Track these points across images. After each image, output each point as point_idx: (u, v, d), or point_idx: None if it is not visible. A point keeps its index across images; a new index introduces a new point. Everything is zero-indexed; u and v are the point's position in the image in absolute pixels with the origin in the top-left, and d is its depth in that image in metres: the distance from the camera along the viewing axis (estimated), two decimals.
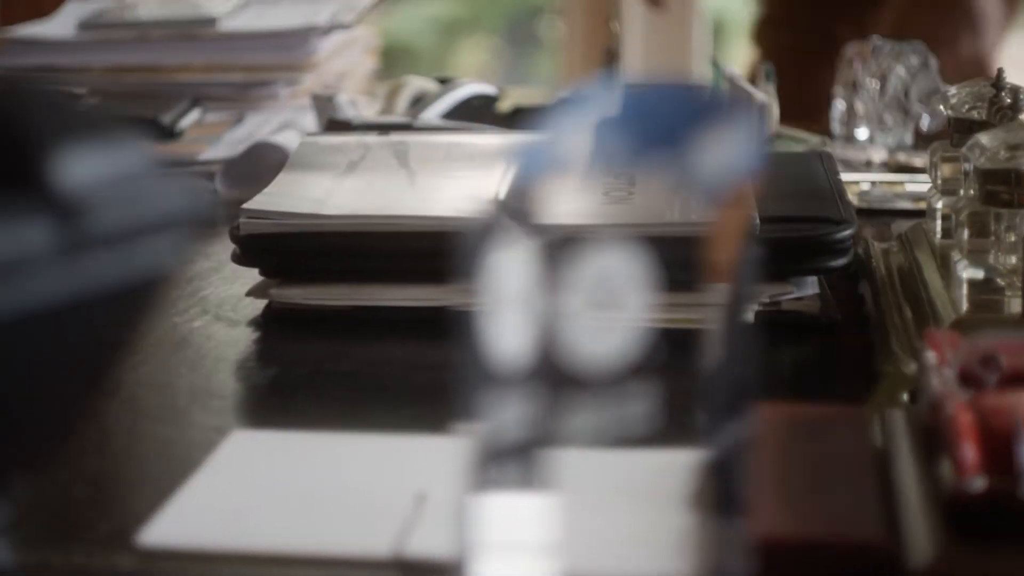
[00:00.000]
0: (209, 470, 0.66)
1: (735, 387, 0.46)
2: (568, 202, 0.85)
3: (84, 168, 0.39)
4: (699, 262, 0.46)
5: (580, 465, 0.46)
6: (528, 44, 3.93)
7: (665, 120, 0.43)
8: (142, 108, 1.21)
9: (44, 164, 0.39)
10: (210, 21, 1.31)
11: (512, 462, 0.44)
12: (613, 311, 0.43)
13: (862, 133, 1.24)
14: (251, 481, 0.65)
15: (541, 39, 3.94)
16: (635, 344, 0.43)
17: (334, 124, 1.08)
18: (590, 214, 0.84)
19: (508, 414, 0.44)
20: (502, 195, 0.43)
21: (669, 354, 0.44)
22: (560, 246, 0.42)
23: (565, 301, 0.43)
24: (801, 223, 0.81)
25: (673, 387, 0.45)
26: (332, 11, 1.33)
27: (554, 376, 0.43)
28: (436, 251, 0.67)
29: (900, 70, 1.25)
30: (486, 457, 0.45)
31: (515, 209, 0.42)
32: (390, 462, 0.67)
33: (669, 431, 0.48)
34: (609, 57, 1.22)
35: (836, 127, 1.24)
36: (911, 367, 0.71)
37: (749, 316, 0.49)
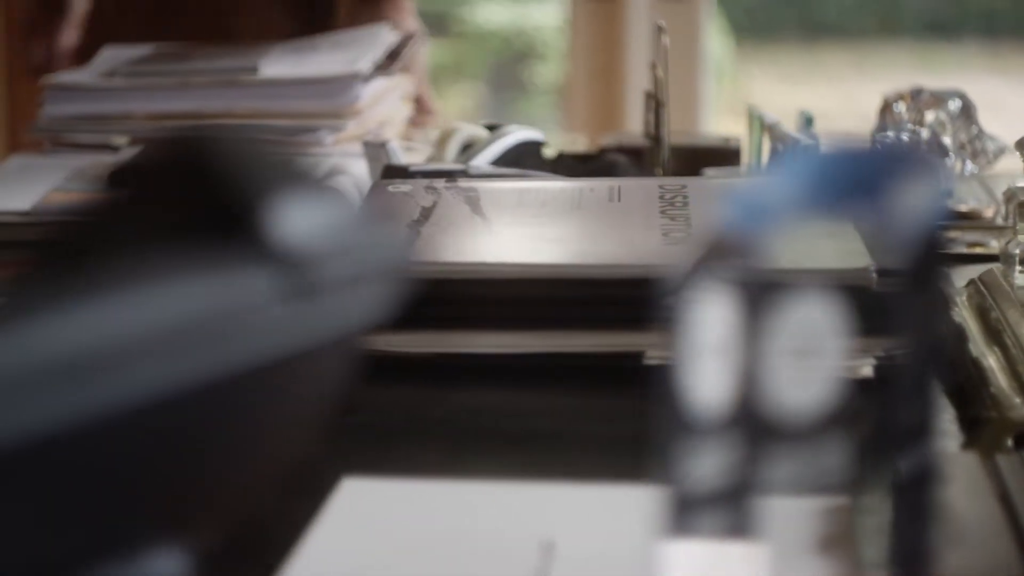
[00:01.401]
0: (326, 521, 0.65)
1: (912, 433, 0.46)
2: (633, 243, 0.86)
3: (299, 219, 0.39)
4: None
5: (781, 513, 0.46)
6: (512, 89, 3.95)
7: (857, 175, 0.44)
8: None
9: (260, 215, 0.39)
10: (251, 68, 1.31)
11: (709, 511, 0.44)
12: (811, 358, 0.43)
13: None
14: (371, 532, 0.65)
15: (525, 84, 3.96)
16: (834, 391, 0.43)
17: (391, 170, 1.08)
18: (654, 254, 0.85)
19: (704, 462, 0.44)
20: (704, 241, 0.43)
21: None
22: (763, 291, 0.42)
23: (764, 348, 0.43)
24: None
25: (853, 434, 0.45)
26: (372, 58, 1.34)
27: (750, 424, 0.44)
28: (594, 297, 0.69)
29: (940, 115, 1.26)
30: (680, 506, 0.45)
31: (718, 256, 0.42)
32: (508, 510, 0.67)
33: (860, 478, 0.48)
34: (654, 103, 1.23)
35: None
36: (1015, 411, 0.72)
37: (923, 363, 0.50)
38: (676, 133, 1.27)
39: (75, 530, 0.40)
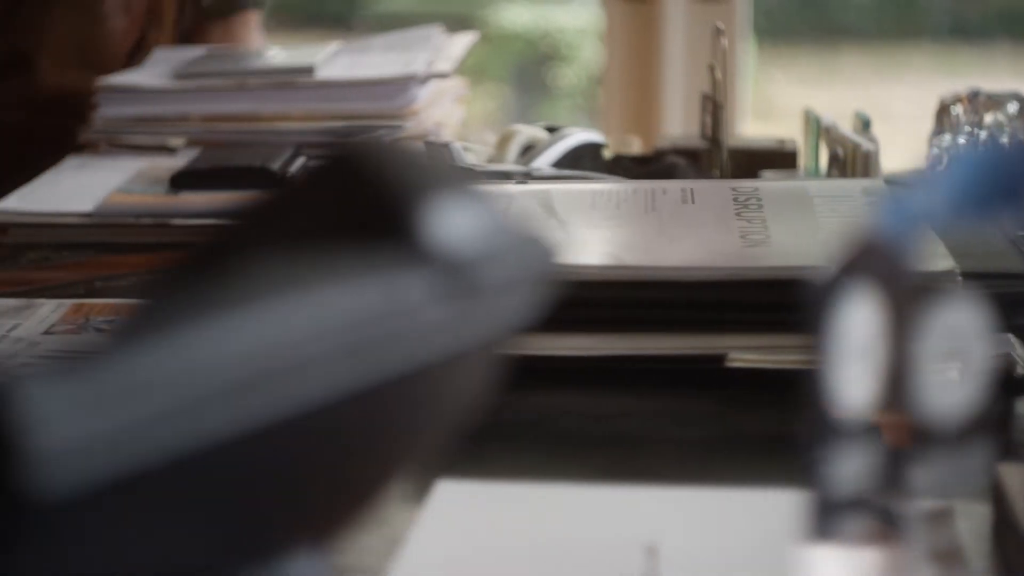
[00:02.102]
0: (424, 525, 0.65)
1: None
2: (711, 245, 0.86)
3: (455, 221, 0.39)
4: None
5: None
6: (536, 91, 3.95)
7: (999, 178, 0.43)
8: (247, 157, 1.21)
9: (417, 218, 0.39)
10: (307, 69, 1.31)
11: (851, 515, 0.44)
12: (957, 361, 0.43)
13: None
14: (471, 536, 0.64)
15: (549, 86, 3.96)
16: (979, 394, 0.43)
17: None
18: (733, 256, 0.85)
19: (847, 467, 0.44)
20: (853, 244, 0.43)
21: None
22: (911, 294, 0.42)
23: (912, 352, 0.43)
24: (993, 279, 0.81)
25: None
26: (427, 59, 1.34)
27: (896, 429, 0.43)
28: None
29: (998, 117, 1.26)
30: (822, 510, 0.44)
31: (866, 258, 0.42)
32: (606, 513, 0.67)
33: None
34: (712, 106, 1.22)
35: None
36: None
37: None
38: (730, 135, 1.27)
39: (224, 533, 0.40)
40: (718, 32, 1.25)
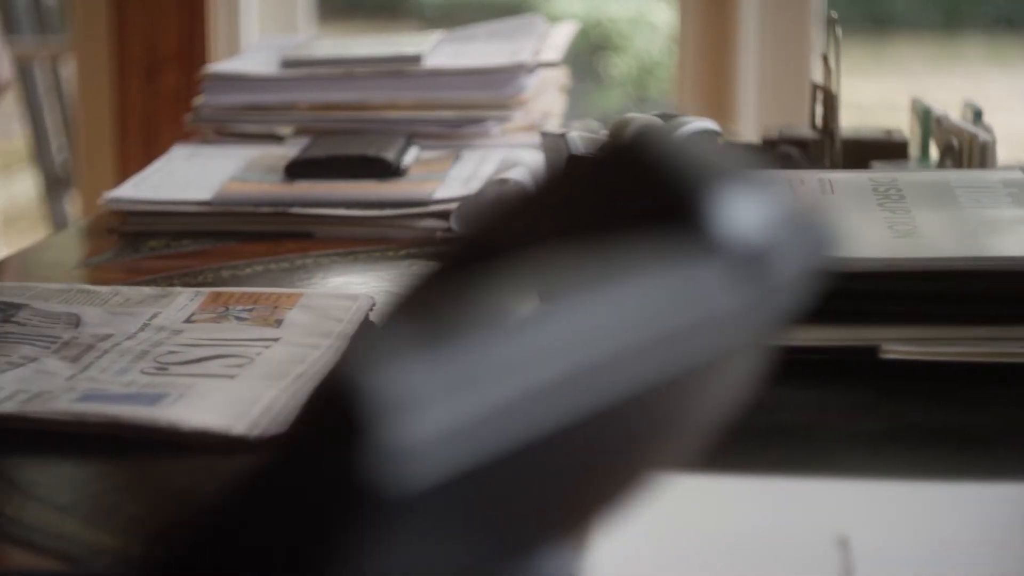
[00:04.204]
0: (633, 515, 0.64)
1: None
2: (860, 237, 0.85)
3: (747, 212, 0.39)
4: None
5: None
6: (588, 81, 3.94)
7: None
8: (362, 145, 1.20)
9: (707, 206, 0.38)
10: (415, 58, 1.31)
11: None
12: None
13: None
14: (666, 527, 0.64)
15: (601, 76, 3.95)
16: None
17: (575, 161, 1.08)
18: (884, 248, 0.84)
19: None
20: None
21: None
22: None
23: None
24: None
25: None
26: (534, 48, 1.33)
27: None
28: None
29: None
30: None
31: None
32: (791, 506, 0.66)
33: None
34: (825, 96, 1.22)
35: None
36: None
37: None
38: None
39: (508, 530, 0.40)
40: (832, 22, 1.24)
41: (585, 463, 0.37)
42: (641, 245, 0.37)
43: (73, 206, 3.19)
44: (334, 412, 0.29)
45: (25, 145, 3.44)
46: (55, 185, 3.25)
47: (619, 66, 4.12)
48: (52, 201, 3.26)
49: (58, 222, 3.19)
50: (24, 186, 3.86)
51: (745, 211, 0.39)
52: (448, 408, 0.30)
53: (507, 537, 0.40)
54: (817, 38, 2.38)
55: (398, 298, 0.40)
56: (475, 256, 0.41)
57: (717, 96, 2.39)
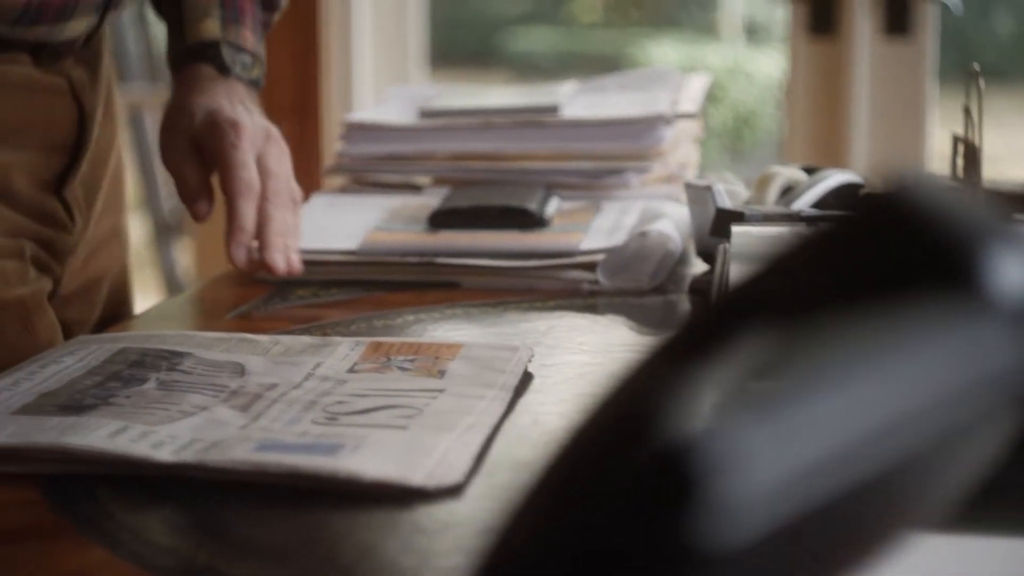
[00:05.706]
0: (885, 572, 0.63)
1: None
2: None
3: (1014, 265, 0.38)
4: None
5: None
6: None
7: None
8: (504, 196, 1.21)
9: (979, 263, 0.38)
10: (553, 108, 1.31)
11: None
12: None
13: None
14: None
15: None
16: None
17: (724, 215, 1.07)
18: None
19: None
20: None
21: None
22: None
23: None
24: None
25: None
26: (670, 99, 1.33)
27: None
28: None
29: None
30: None
31: None
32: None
33: None
34: (965, 149, 1.20)
35: None
36: None
37: None
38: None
39: None
40: (974, 74, 1.23)
41: (869, 520, 0.37)
42: (919, 302, 0.37)
43: (183, 253, 3.23)
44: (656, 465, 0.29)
45: (135, 192, 3.49)
46: (164, 232, 3.29)
47: (715, 116, 4.11)
48: (161, 247, 3.30)
49: (167, 268, 3.22)
50: (134, 232, 3.92)
51: (1014, 267, 0.38)
52: (774, 462, 0.30)
53: None
54: (931, 86, 2.37)
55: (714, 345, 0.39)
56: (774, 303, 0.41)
57: (827, 147, 2.37)
